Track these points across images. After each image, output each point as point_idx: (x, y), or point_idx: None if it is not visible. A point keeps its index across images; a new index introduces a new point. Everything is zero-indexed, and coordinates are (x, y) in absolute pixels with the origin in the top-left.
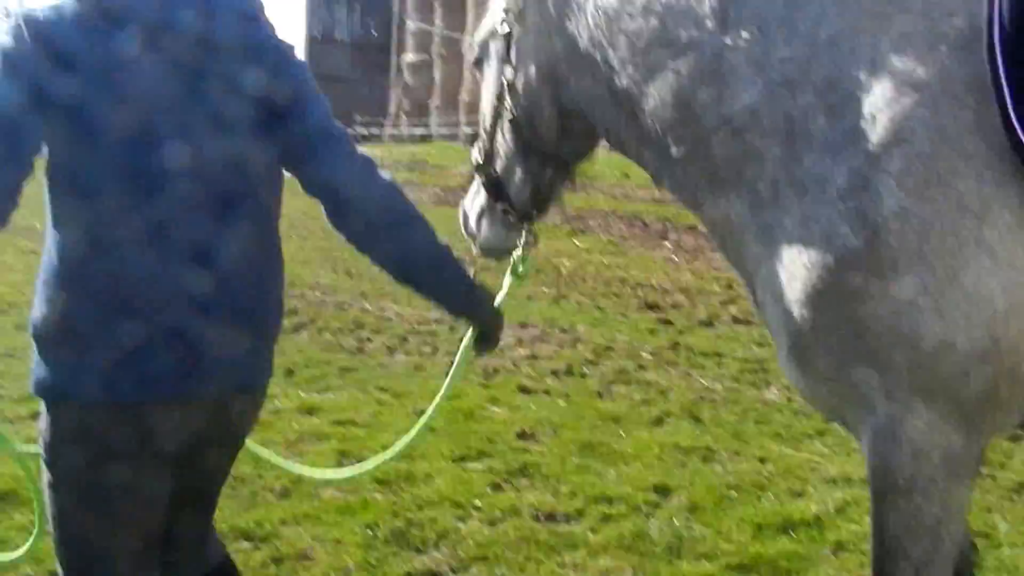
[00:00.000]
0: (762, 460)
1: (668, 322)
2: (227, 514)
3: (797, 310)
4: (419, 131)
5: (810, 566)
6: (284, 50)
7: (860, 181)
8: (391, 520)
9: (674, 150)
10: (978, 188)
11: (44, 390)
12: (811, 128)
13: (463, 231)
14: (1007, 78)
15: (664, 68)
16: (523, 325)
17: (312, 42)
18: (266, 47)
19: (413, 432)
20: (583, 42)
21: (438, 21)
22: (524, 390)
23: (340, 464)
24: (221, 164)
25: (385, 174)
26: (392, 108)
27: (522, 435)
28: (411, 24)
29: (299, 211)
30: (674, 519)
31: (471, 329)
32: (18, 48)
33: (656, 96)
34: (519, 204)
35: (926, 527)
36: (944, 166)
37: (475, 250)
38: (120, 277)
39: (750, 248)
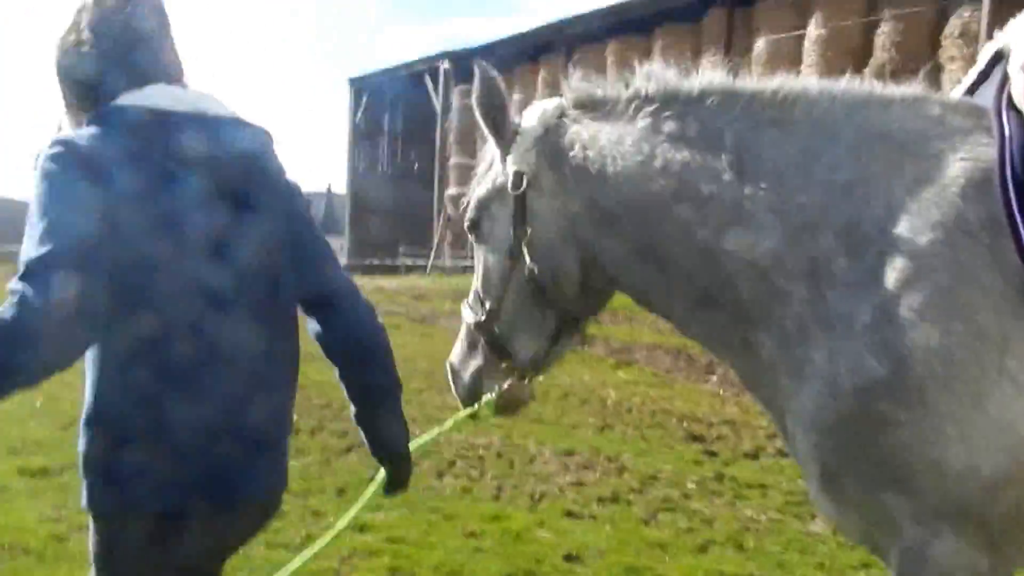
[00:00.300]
0: None
1: (713, 453)
2: None
3: (827, 439)
4: (462, 262)
5: None
6: (296, 189)
7: (884, 316)
8: None
9: (701, 298)
10: (998, 320)
11: (96, 506)
12: (833, 269)
13: (453, 388)
14: (1021, 215)
15: (688, 222)
16: (569, 453)
17: (355, 175)
18: (284, 182)
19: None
20: (606, 204)
21: (479, 155)
22: (570, 515)
23: None
24: (254, 301)
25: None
26: (435, 239)
27: (568, 557)
28: (453, 158)
29: None
30: None
31: (383, 472)
32: (68, 172)
33: (681, 249)
34: (524, 361)
35: None
36: (964, 299)
37: (462, 406)
38: (164, 407)
39: (781, 383)
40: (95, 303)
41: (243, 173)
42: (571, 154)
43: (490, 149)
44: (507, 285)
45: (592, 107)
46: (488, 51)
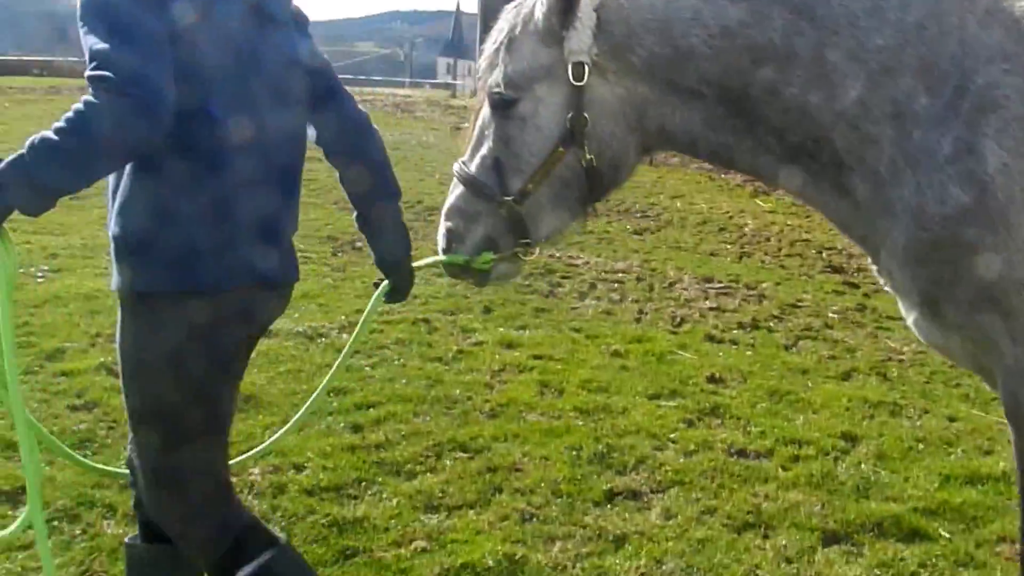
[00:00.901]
0: (951, 419)
1: (853, 284)
2: (443, 428)
3: (922, 268)
4: None
5: (996, 516)
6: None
7: (964, 146)
8: (593, 444)
9: (794, 152)
10: None
11: (173, 283)
12: (915, 108)
13: (445, 244)
14: None
15: (774, 83)
16: (708, 279)
17: None
18: (301, 18)
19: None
20: (685, 83)
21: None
22: (712, 339)
23: (542, 394)
24: (282, 111)
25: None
26: None
27: (712, 379)
28: None
29: None
30: (862, 464)
31: (386, 281)
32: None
33: (770, 111)
34: (542, 238)
35: None
36: None
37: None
38: (229, 196)
39: (876, 222)
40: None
41: None
42: (638, 41)
43: (524, 22)
44: (549, 169)
45: None
46: None
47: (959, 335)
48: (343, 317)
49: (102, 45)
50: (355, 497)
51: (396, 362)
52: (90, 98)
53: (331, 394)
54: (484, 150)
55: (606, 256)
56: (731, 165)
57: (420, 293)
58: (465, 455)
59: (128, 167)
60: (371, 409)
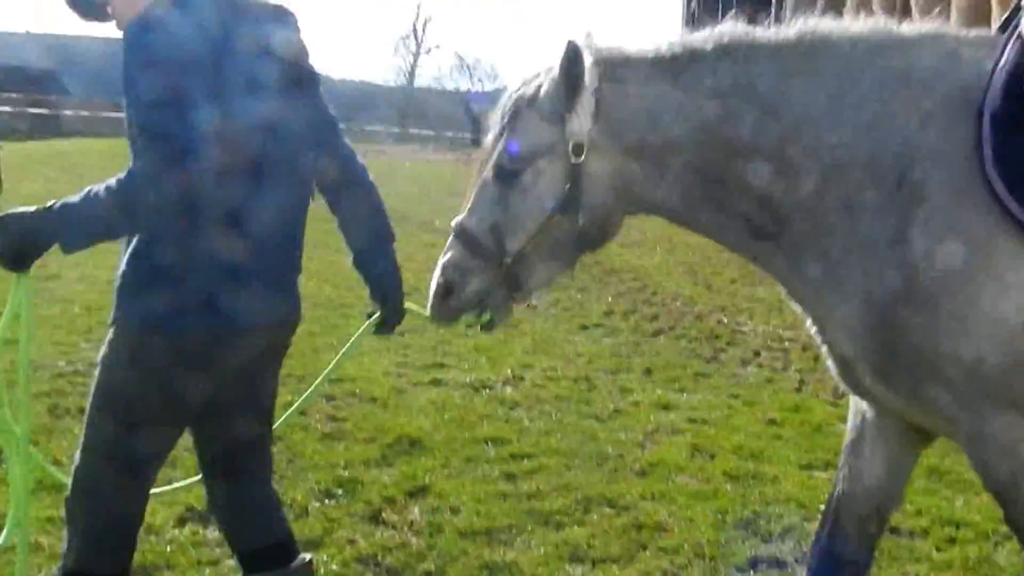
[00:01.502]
0: None
1: None
2: (593, 483)
3: (870, 343)
4: None
5: None
6: (319, 76)
7: (899, 235)
8: (740, 510)
9: (756, 233)
10: (985, 229)
11: (164, 322)
12: (863, 199)
13: (437, 300)
14: (993, 136)
15: (742, 173)
16: None
17: None
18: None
19: (312, 388)
20: (669, 165)
21: None
22: None
23: (693, 457)
24: (290, 168)
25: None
26: None
27: None
28: None
29: (660, 227)
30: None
31: (379, 312)
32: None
33: (739, 197)
34: (533, 290)
35: None
36: (959, 215)
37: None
38: (226, 245)
39: (825, 299)
40: (186, 174)
41: (290, 56)
42: (631, 127)
43: (529, 102)
44: (546, 233)
45: (627, 67)
46: None
47: (914, 405)
48: (509, 371)
49: (145, 111)
50: (506, 543)
51: (553, 417)
52: (136, 165)
53: (488, 442)
54: (483, 212)
55: (774, 323)
56: (705, 235)
57: (585, 352)
58: (612, 511)
59: None
60: (525, 460)
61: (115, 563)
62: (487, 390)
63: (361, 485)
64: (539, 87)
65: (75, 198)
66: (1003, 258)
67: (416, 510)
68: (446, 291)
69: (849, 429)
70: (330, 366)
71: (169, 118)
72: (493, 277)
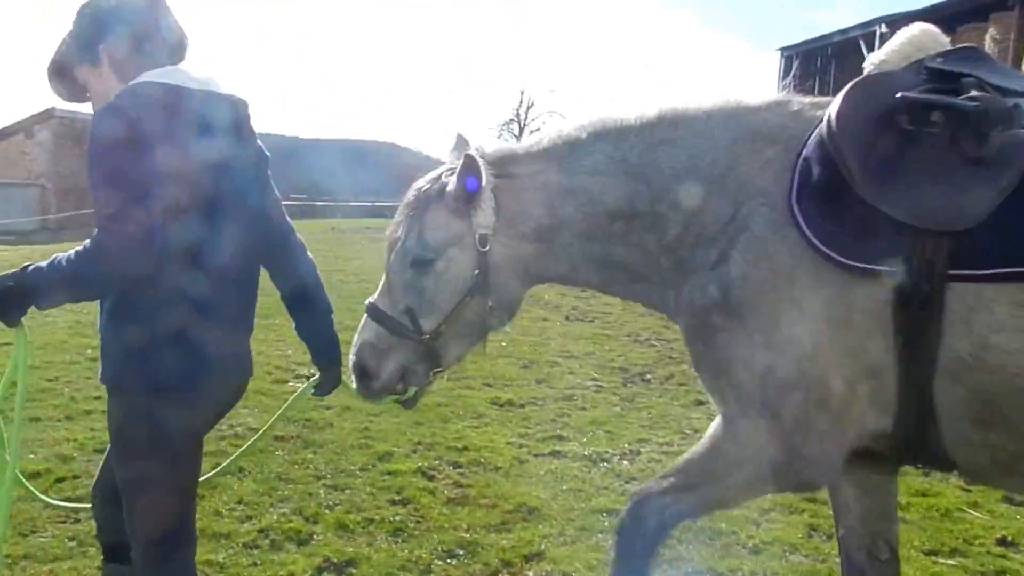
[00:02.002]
0: None
1: None
2: (704, 556)
3: (693, 344)
4: None
5: None
6: (266, 155)
7: (722, 257)
8: None
9: (636, 278)
10: (791, 260)
11: (158, 384)
12: (707, 233)
13: (360, 380)
14: (799, 188)
15: (624, 233)
16: None
17: None
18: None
19: (264, 428)
20: (561, 242)
21: None
22: (1008, 500)
23: (810, 536)
24: (247, 239)
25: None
26: None
27: (1002, 542)
28: None
29: None
30: None
31: (317, 376)
32: (142, 119)
33: (622, 252)
34: (451, 363)
35: (729, 503)
36: (771, 246)
37: (371, 395)
38: (194, 313)
39: (679, 314)
40: (150, 243)
41: (238, 136)
42: (527, 215)
43: (437, 197)
44: (459, 313)
45: (516, 164)
46: (929, 12)
47: (714, 386)
48: (626, 444)
49: (100, 192)
50: None
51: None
52: (96, 238)
53: (603, 513)
54: (397, 296)
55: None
56: (591, 288)
57: (700, 427)
58: None
59: None
60: None
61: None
62: (604, 463)
63: (481, 548)
64: (444, 185)
65: (43, 263)
66: (803, 287)
67: (531, 574)
68: (362, 373)
69: None
70: (270, 421)
71: (118, 198)
72: (411, 355)
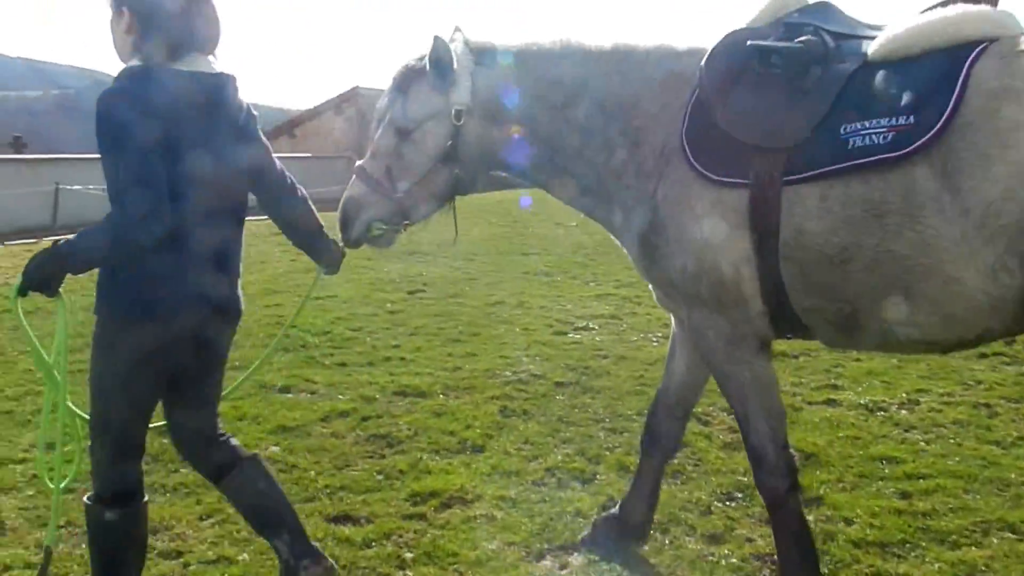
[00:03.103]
0: None
1: None
2: (993, 507)
3: (640, 259)
4: None
5: None
6: (254, 116)
7: (652, 189)
8: None
9: (584, 190)
10: (688, 177)
11: (145, 311)
12: (645, 166)
13: (346, 222)
14: (687, 120)
15: (578, 146)
16: None
17: None
18: (249, 114)
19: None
20: (524, 136)
21: None
22: None
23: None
24: (238, 185)
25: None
26: None
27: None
28: None
29: None
30: None
31: (322, 262)
32: (146, 99)
33: (574, 162)
34: (418, 219)
35: (732, 377)
36: (679, 168)
37: (349, 237)
38: (188, 248)
39: (623, 237)
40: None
41: (216, 108)
42: (498, 103)
43: (417, 82)
44: (430, 178)
45: (494, 57)
46: None
47: (665, 295)
48: (904, 394)
49: (114, 171)
50: (899, 556)
51: (951, 441)
52: (112, 212)
53: (882, 461)
54: (379, 160)
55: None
56: (546, 190)
57: (984, 379)
58: (1014, 536)
59: None
60: (921, 480)
61: (125, 481)
62: (881, 412)
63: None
64: (425, 64)
65: (75, 237)
66: (695, 197)
67: (811, 518)
68: (344, 223)
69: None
70: (288, 322)
71: (146, 158)
72: (386, 209)
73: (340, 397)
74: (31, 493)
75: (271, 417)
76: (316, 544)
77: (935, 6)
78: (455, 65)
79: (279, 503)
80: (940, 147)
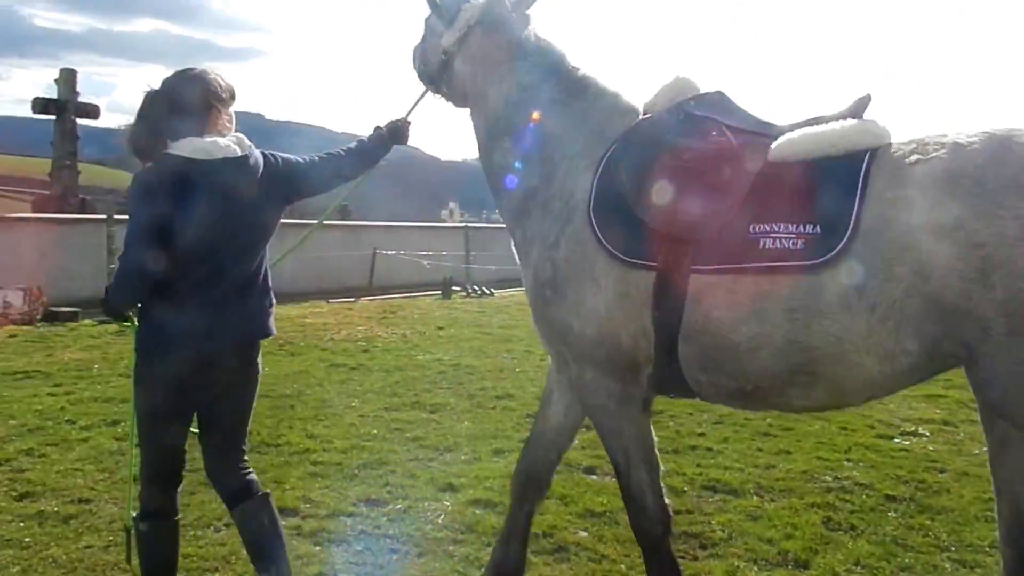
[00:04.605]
0: None
1: None
2: None
3: (534, 310)
4: None
5: None
6: (277, 157)
7: (557, 240)
8: None
9: (528, 191)
10: (594, 248)
11: (158, 349)
12: (554, 206)
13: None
14: (594, 192)
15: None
16: None
17: None
18: (270, 164)
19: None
20: (485, 110)
21: None
22: None
23: None
24: (257, 242)
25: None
26: None
27: None
28: None
29: None
30: None
31: (390, 146)
32: (155, 185)
33: (514, 159)
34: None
35: (617, 434)
36: (583, 235)
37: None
38: (207, 295)
39: (520, 260)
40: (153, 269)
41: (233, 183)
42: (470, 64)
43: (433, 26)
44: (437, 73)
45: (496, 32)
46: None
47: (553, 351)
48: None
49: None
50: None
51: None
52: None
53: None
54: (424, 43)
55: None
56: (487, 173)
57: None
58: None
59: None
60: None
61: (167, 499)
62: None
63: None
64: (431, 16)
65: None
66: (600, 272)
67: None
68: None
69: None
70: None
71: (133, 236)
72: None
73: None
74: (359, 548)
75: (578, 499)
76: None
77: (811, 120)
78: (458, 14)
79: (275, 544)
80: (847, 253)
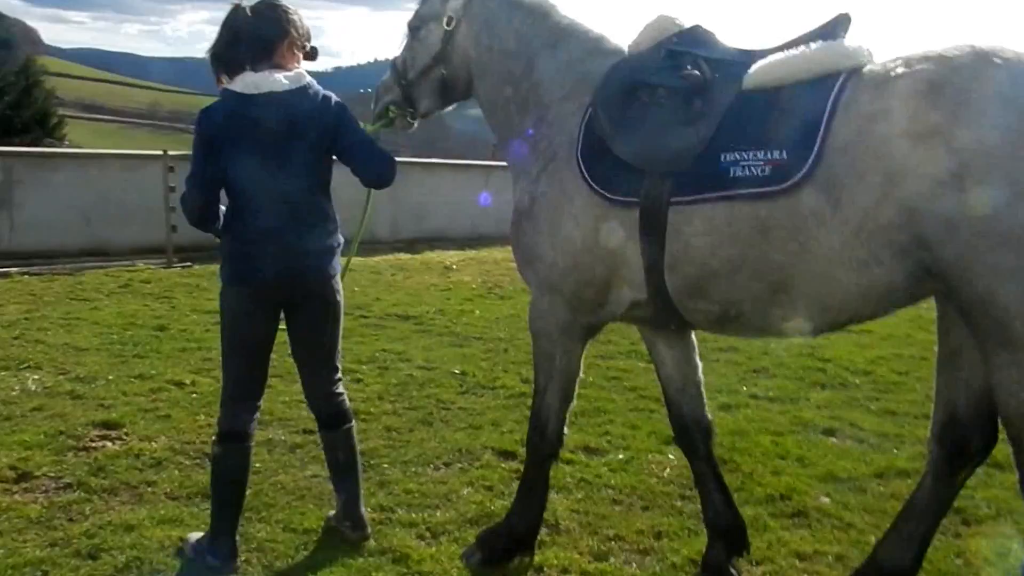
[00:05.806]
0: None
1: None
2: None
3: (512, 237)
4: None
5: None
6: (340, 107)
7: (538, 174)
8: None
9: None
10: (574, 183)
11: (233, 279)
12: (540, 144)
13: (374, 104)
14: (583, 134)
15: (505, 101)
16: None
17: None
18: (332, 108)
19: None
20: (489, 65)
21: None
22: None
23: None
24: (303, 176)
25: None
26: None
27: None
28: None
29: None
30: None
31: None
32: (208, 129)
33: (515, 103)
34: (421, 111)
35: (549, 358)
36: (564, 170)
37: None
38: (266, 223)
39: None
40: (213, 190)
41: (288, 117)
42: (476, 26)
43: (426, 14)
44: (426, 71)
45: None
46: None
47: (523, 274)
48: None
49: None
50: None
51: None
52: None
53: None
54: (402, 52)
55: None
56: (483, 111)
57: None
58: None
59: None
60: None
61: (232, 422)
62: None
63: None
64: None
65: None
66: (578, 203)
67: None
68: (374, 102)
69: None
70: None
71: (197, 163)
72: (398, 96)
73: (895, 452)
74: (580, 496)
75: (817, 462)
76: (364, 513)
77: (790, 43)
78: None
79: (351, 471)
80: (820, 170)
